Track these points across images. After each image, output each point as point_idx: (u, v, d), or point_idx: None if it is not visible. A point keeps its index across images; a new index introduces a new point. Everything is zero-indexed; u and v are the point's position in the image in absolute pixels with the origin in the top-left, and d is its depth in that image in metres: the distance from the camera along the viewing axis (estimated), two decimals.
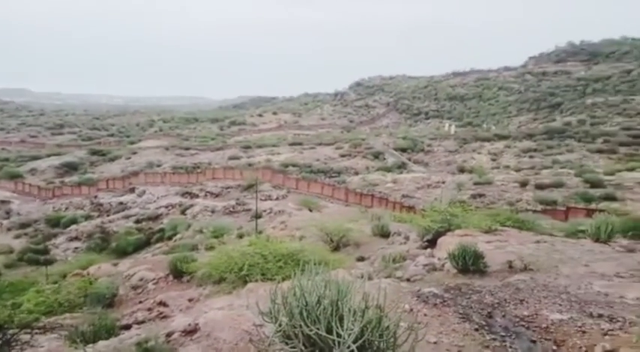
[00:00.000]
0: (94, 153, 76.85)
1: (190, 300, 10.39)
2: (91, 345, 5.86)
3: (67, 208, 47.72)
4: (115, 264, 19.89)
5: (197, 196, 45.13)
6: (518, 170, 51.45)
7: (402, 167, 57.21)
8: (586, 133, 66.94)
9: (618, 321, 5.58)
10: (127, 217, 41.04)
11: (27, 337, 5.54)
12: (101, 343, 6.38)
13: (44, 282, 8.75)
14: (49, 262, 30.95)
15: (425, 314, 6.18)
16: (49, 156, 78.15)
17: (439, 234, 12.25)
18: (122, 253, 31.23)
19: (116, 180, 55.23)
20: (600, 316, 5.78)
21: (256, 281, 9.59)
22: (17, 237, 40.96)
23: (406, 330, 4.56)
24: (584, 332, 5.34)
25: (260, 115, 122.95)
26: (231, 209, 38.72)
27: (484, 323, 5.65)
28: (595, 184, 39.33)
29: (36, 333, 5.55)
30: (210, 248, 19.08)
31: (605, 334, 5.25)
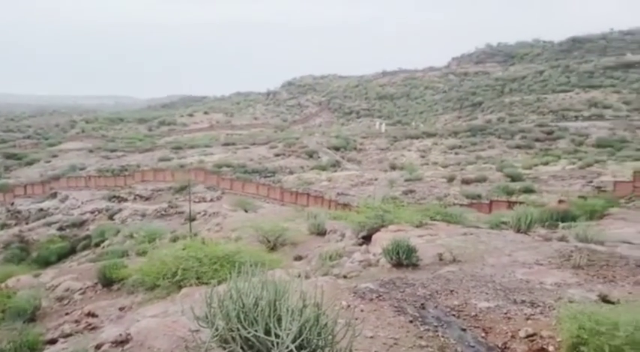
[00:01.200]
0: (8, 156, 71.31)
1: (122, 309, 9.94)
2: None
3: None
4: (37, 275, 18.60)
5: (126, 200, 43.31)
6: (445, 166, 53.86)
7: (336, 165, 58.04)
8: (505, 130, 71.31)
9: (539, 306, 5.99)
10: (49, 224, 38.59)
11: None
12: None
13: None
14: None
15: (362, 310, 6.31)
16: None
17: (373, 230, 12.55)
18: (44, 263, 29.29)
19: (35, 185, 51.67)
20: (523, 302, 6.18)
21: (191, 285, 9.35)
22: None
23: (344, 327, 4.62)
24: (509, 318, 5.69)
25: (191, 115, 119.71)
26: (163, 212, 37.54)
27: (418, 314, 5.86)
28: (515, 178, 42.01)
29: None
30: (142, 253, 18.35)
31: (528, 319, 5.61)
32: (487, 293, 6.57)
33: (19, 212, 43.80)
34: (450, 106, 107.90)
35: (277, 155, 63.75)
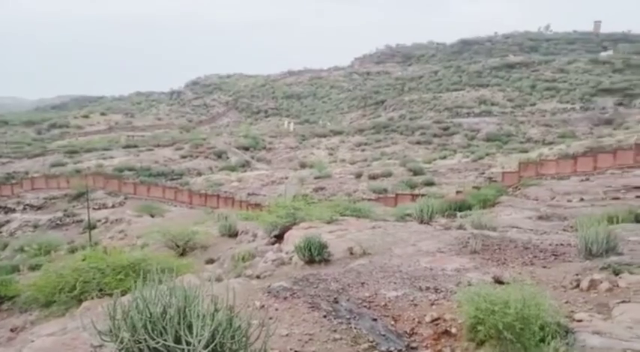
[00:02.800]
0: None
1: (13, 330, 9.04)
2: None
3: None
4: None
5: (14, 210, 39.55)
6: (353, 163, 55.57)
7: (245, 165, 57.47)
8: (406, 127, 75.17)
9: (442, 291, 6.38)
10: None
11: None
12: None
13: None
14: None
15: (276, 309, 6.29)
16: None
17: (285, 228, 12.58)
18: None
19: None
20: (428, 289, 6.54)
21: (93, 298, 8.76)
22: None
23: (258, 327, 4.58)
24: (415, 304, 5.99)
25: (86, 116, 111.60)
26: (59, 222, 34.77)
27: (331, 309, 5.97)
28: (417, 172, 44.43)
29: None
30: (36, 267, 16.85)
31: (433, 304, 5.95)
32: (395, 283, 6.87)
33: None
34: (355, 105, 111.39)
35: (184, 156, 61.66)
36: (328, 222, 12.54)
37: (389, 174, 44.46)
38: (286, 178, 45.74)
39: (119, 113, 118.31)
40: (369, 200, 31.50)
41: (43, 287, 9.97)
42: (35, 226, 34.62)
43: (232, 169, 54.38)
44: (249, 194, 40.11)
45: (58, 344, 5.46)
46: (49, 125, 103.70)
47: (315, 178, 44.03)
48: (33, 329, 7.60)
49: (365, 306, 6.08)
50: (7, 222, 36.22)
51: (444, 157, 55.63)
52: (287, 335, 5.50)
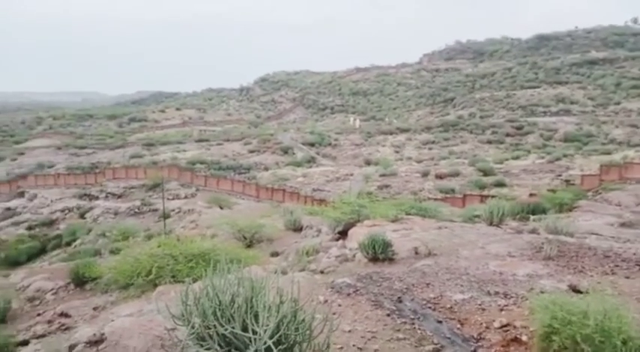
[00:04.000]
0: None
1: (95, 309, 9.75)
2: None
3: None
4: (6, 276, 18.12)
5: (97, 198, 42.43)
6: (419, 161, 54.53)
7: (311, 161, 58.05)
8: (476, 125, 72.59)
9: (512, 297, 6.13)
10: (17, 224, 37.48)
11: None
12: None
13: None
14: None
15: (339, 305, 6.34)
16: None
17: (349, 225, 12.61)
18: (14, 263, 28.46)
19: (1, 183, 50.03)
20: (497, 293, 6.31)
21: (166, 283, 9.23)
22: None
23: (321, 321, 4.63)
24: (483, 309, 5.80)
25: (162, 111, 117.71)
26: (137, 210, 36.91)
27: (395, 308, 5.92)
28: (487, 172, 42.84)
29: None
30: (116, 252, 18.02)
31: (502, 309, 5.74)
32: (462, 286, 6.69)
33: None
34: (423, 102, 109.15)
35: (252, 151, 63.35)
36: (393, 221, 12.42)
37: (457, 174, 43.23)
38: (351, 175, 45.74)
39: (192, 108, 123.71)
40: (436, 199, 30.82)
41: (122, 271, 10.63)
42: (115, 213, 36.98)
43: (298, 165, 55.17)
44: (314, 189, 40.53)
45: (135, 324, 5.81)
46: (129, 119, 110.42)
47: (380, 176, 43.69)
48: (113, 309, 8.15)
49: (430, 307, 5.97)
50: (91, 208, 38.95)
51: (517, 158, 53.18)
52: (350, 331, 5.52)
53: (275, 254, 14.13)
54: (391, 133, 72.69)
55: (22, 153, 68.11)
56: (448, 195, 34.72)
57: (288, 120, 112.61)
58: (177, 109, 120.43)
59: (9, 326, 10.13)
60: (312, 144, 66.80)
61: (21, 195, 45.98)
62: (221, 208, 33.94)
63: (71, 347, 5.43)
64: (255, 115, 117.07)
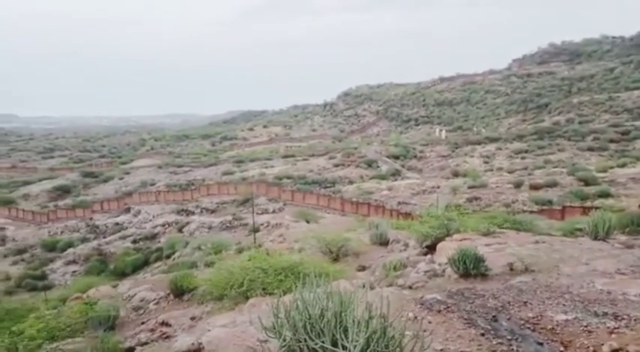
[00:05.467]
0: (86, 175, 76.42)
1: (192, 319, 10.29)
2: None
3: (62, 232, 47.33)
4: (115, 286, 19.69)
5: (193, 213, 44.98)
6: (511, 171, 51.74)
7: (396, 174, 57.37)
8: (575, 132, 67.53)
9: (623, 319, 5.58)
10: (124, 237, 40.80)
11: None
12: None
13: (43, 308, 8.64)
14: (47, 287, 30.64)
15: (429, 322, 6.15)
16: (41, 180, 77.61)
17: (438, 239, 12.25)
18: (121, 274, 30.98)
19: (110, 201, 54.93)
20: (605, 314, 5.78)
21: (257, 296, 9.52)
22: (14, 263, 40.52)
23: (412, 339, 4.53)
24: (590, 331, 5.34)
25: (251, 129, 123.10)
26: (228, 224, 38.61)
27: (489, 327, 5.64)
28: (589, 182, 39.59)
29: None
30: (210, 264, 18.96)
31: (612, 332, 5.24)
32: (564, 305, 6.21)
33: (97, 226, 46.69)
34: (514, 109, 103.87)
35: (336, 165, 63.97)
36: (484, 235, 11.88)
37: (554, 184, 40.41)
38: (438, 187, 44.52)
39: (279, 125, 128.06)
40: (531, 212, 29.02)
41: (216, 283, 11.15)
42: (210, 227, 38.99)
43: (383, 178, 54.77)
44: (399, 203, 39.95)
45: (230, 335, 6.06)
46: (221, 138, 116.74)
47: (469, 188, 42.05)
48: (208, 320, 8.55)
49: (528, 328, 5.61)
50: (188, 223, 41.42)
51: (624, 165, 48.59)
52: (441, 350, 5.33)
53: (362, 268, 14.07)
54: (480, 143, 69.90)
55: (128, 173, 74.40)
56: (545, 207, 32.53)
57: (372, 133, 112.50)
58: (265, 127, 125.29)
59: (117, 333, 10.98)
60: (396, 157, 66.06)
61: (127, 210, 50.09)
62: (307, 222, 34.54)
63: None
64: (339, 130, 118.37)
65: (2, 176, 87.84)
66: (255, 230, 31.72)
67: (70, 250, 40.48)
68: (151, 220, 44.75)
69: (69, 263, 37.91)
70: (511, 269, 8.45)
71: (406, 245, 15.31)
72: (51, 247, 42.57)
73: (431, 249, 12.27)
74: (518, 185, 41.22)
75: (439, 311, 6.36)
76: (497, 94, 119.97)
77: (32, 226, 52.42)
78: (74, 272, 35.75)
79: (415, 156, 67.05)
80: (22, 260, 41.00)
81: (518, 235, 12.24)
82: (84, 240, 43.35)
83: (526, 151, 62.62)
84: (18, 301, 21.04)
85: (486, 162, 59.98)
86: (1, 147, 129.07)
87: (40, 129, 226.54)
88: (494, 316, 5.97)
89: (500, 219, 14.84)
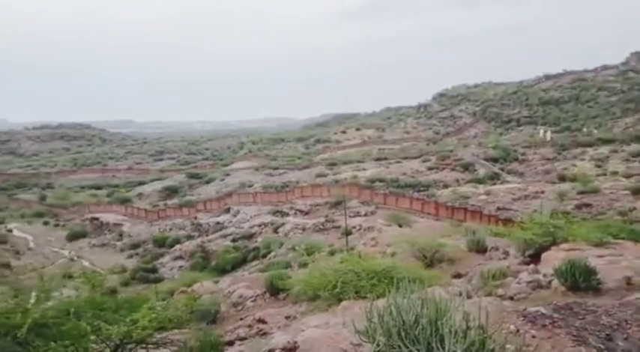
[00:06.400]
0: (191, 176, 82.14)
1: (287, 318, 10.59)
2: None
3: (170, 229, 51.15)
4: (216, 282, 20.91)
5: (287, 214, 46.25)
6: (628, 176, 46.94)
7: (494, 178, 54.61)
8: None
9: None
10: (225, 236, 43.03)
11: (143, 351, 5.96)
12: None
13: (154, 300, 9.43)
14: (157, 280, 33.27)
15: (533, 336, 5.78)
16: (152, 181, 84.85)
17: (542, 248, 11.47)
18: (222, 271, 32.70)
19: (212, 201, 58.35)
20: None
21: (350, 299, 9.56)
22: (129, 256, 44.58)
23: None
24: None
25: (343, 132, 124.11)
26: (321, 226, 39.17)
27: (603, 347, 5.17)
28: None
29: (150, 348, 5.95)
30: (304, 265, 19.40)
31: None
32: None
33: (200, 225, 49.83)
34: (632, 108, 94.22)
35: (430, 168, 62.37)
36: (597, 245, 10.91)
37: None
38: (542, 193, 41.61)
39: (371, 128, 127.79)
40: None
41: (310, 284, 11.37)
42: (303, 229, 39.88)
43: (480, 182, 52.39)
44: (498, 208, 37.97)
45: (324, 336, 6.16)
46: (314, 140, 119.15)
47: (578, 193, 38.80)
48: (302, 319, 8.75)
49: None
50: (283, 224, 42.71)
51: None
52: None
53: (457, 275, 13.58)
54: (591, 145, 64.29)
55: (228, 174, 78.60)
56: None
57: (469, 135, 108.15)
58: (357, 129, 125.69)
59: (218, 327, 11.63)
60: (495, 160, 62.86)
61: (227, 210, 52.87)
62: (400, 226, 34.02)
63: None
64: (434, 132, 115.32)
65: (120, 177, 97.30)
66: (348, 233, 31.88)
67: (177, 246, 43.59)
68: (248, 220, 46.77)
69: (176, 258, 40.84)
70: (628, 284, 7.69)
71: (506, 253, 14.53)
72: (161, 243, 46.20)
73: (534, 258, 11.52)
74: (636, 191, 37.25)
75: (544, 326, 5.95)
76: (611, 92, 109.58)
77: (145, 223, 57.34)
78: (180, 267, 38.44)
79: (516, 159, 63.31)
80: (136, 254, 44.95)
81: (636, 247, 11.09)
82: (189, 238, 46.43)
83: None
84: (133, 292, 23.13)
85: (599, 166, 54.97)
86: (119, 151, 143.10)
87: (152, 133, 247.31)
88: (608, 334, 5.46)
89: (615, 228, 13.55)
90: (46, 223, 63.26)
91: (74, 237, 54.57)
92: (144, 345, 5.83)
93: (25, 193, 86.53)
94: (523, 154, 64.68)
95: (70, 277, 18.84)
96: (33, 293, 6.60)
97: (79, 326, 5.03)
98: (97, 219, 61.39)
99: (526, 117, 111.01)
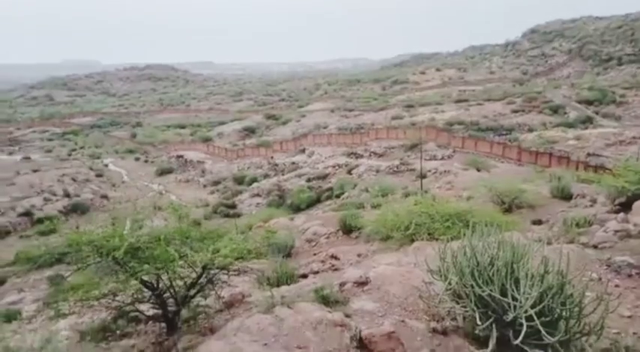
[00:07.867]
0: (268, 117, 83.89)
1: (359, 255, 10.87)
2: (275, 288, 6.56)
3: (248, 168, 53.30)
4: (291, 219, 21.72)
5: (362, 156, 46.29)
6: None
7: (587, 122, 50.62)
8: None
9: None
10: (299, 176, 44.11)
11: (225, 277, 6.44)
12: (284, 288, 7.12)
13: (234, 232, 10.05)
14: (237, 215, 35.19)
15: (617, 285, 5.53)
16: (232, 121, 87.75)
17: (635, 196, 10.66)
18: (296, 209, 33.81)
19: (288, 141, 59.63)
20: None
21: (422, 240, 9.59)
22: (211, 192, 47.30)
23: (593, 300, 4.15)
24: None
25: (422, 73, 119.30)
26: (395, 169, 38.88)
27: None
28: None
29: (231, 275, 6.41)
30: (377, 206, 19.56)
31: None
32: None
33: (277, 164, 51.36)
34: None
35: (515, 111, 58.85)
36: None
37: None
38: None
39: (452, 68, 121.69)
40: None
41: (383, 224, 11.49)
42: (377, 171, 39.83)
43: (570, 126, 48.81)
44: (588, 154, 35.47)
45: (396, 273, 6.28)
46: (391, 82, 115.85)
47: None
48: (374, 257, 8.95)
49: None
50: (357, 166, 42.87)
51: None
52: (630, 317, 4.79)
53: (537, 222, 13.08)
54: None
55: (304, 116, 79.28)
56: None
57: (561, 75, 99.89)
58: (438, 70, 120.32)
59: (293, 261, 12.20)
60: (589, 102, 57.95)
61: (302, 151, 53.87)
62: (478, 171, 32.95)
63: (342, 284, 6.22)
64: (521, 72, 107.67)
65: (202, 117, 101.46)
66: (423, 176, 31.44)
67: (255, 184, 45.48)
68: (322, 161, 47.41)
69: (254, 195, 42.71)
70: None
71: (593, 200, 13.70)
72: (240, 181, 48.42)
73: (625, 207, 10.76)
74: None
75: (630, 276, 5.66)
76: None
77: (225, 161, 60.11)
78: (258, 204, 40.23)
79: (614, 102, 57.92)
80: (217, 190, 47.54)
81: None
82: (266, 176, 48.17)
83: None
84: (215, 224, 24.71)
85: None
86: (200, 91, 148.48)
87: (231, 75, 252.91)
88: None
89: None
90: (137, 159, 68.39)
91: (162, 172, 58.73)
92: (225, 272, 6.28)
93: (118, 131, 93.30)
94: (622, 96, 58.97)
95: (159, 208, 20.43)
96: (128, 221, 7.26)
97: (169, 251, 5.50)
98: (181, 156, 65.24)
99: (630, 55, 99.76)
